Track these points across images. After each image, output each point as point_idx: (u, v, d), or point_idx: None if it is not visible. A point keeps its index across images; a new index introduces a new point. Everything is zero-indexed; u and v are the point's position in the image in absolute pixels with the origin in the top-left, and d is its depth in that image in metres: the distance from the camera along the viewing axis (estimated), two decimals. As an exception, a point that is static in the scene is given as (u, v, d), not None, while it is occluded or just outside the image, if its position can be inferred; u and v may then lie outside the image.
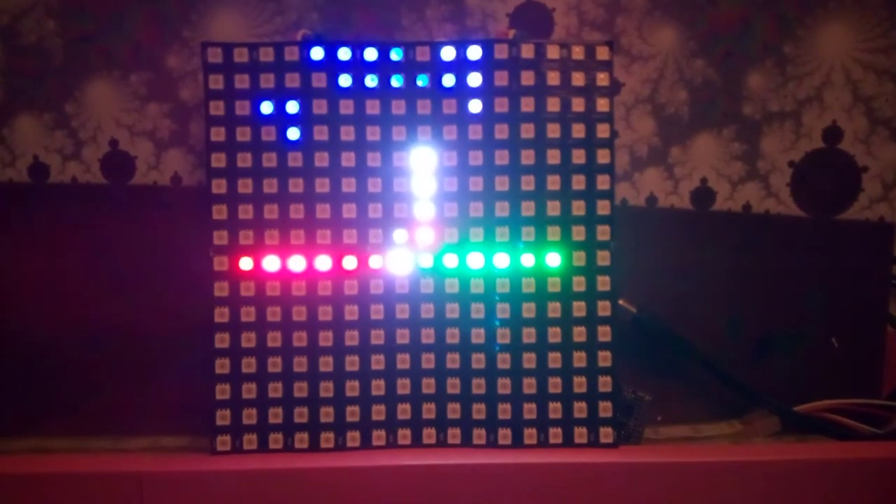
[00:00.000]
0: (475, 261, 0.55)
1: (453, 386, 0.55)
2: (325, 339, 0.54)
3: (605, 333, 0.55)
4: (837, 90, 0.59)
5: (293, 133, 0.54)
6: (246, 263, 0.54)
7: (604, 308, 0.55)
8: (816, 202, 0.60)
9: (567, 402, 0.54)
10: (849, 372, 0.60)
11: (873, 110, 0.60)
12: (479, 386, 0.55)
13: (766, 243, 0.60)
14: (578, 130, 0.55)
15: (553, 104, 0.54)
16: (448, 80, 0.54)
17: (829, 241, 0.60)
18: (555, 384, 0.54)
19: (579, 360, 0.54)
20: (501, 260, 0.55)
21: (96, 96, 0.59)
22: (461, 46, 0.54)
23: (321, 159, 0.54)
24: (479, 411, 0.55)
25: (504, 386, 0.54)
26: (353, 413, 0.54)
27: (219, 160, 0.54)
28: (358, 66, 0.54)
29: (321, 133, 0.54)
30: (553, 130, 0.55)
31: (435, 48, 0.54)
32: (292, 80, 0.54)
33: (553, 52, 0.54)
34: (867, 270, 0.60)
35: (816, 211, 0.60)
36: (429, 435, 0.55)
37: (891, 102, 0.60)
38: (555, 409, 0.54)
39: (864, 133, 0.60)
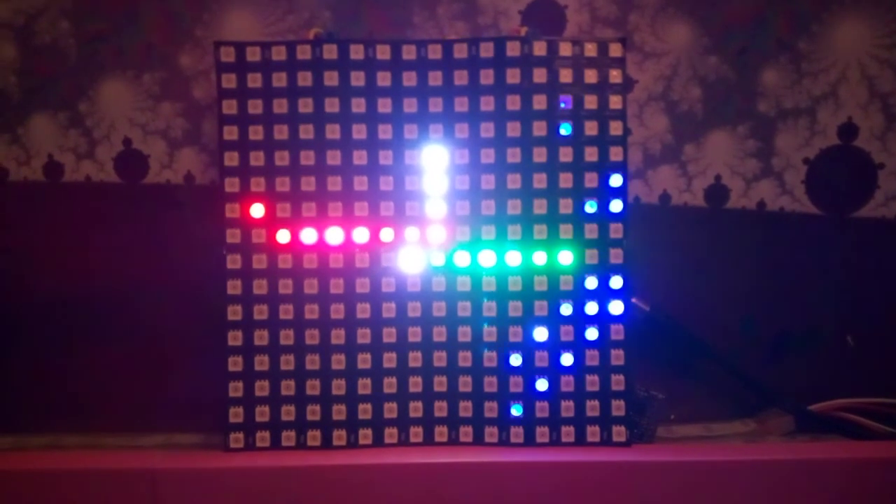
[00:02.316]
0: (487, 259, 0.55)
1: (465, 384, 0.55)
2: (338, 336, 0.54)
3: (617, 332, 0.54)
4: (853, 86, 0.59)
5: (305, 132, 0.54)
6: (259, 262, 0.54)
7: (616, 306, 0.54)
8: (831, 199, 0.60)
9: (580, 401, 0.54)
10: (865, 370, 0.59)
11: (890, 106, 0.59)
12: (490, 384, 0.54)
13: (780, 241, 0.60)
14: (591, 128, 0.54)
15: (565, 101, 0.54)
16: (460, 77, 0.54)
17: (844, 239, 0.60)
18: (567, 382, 0.54)
19: (592, 358, 0.54)
20: (513, 258, 0.55)
21: (110, 95, 0.59)
22: (473, 44, 0.54)
23: (333, 157, 0.54)
24: (490, 409, 0.55)
25: (516, 384, 0.54)
26: (365, 411, 0.54)
27: (232, 159, 0.54)
28: (370, 65, 0.54)
29: (333, 131, 0.54)
30: (565, 128, 0.54)
31: (447, 46, 0.54)
32: (304, 79, 0.54)
33: (566, 50, 0.54)
34: (883, 268, 0.60)
35: (831, 208, 0.60)
36: (440, 433, 0.55)
37: (908, 98, 0.59)
38: (567, 408, 0.54)
39: (880, 130, 0.59)
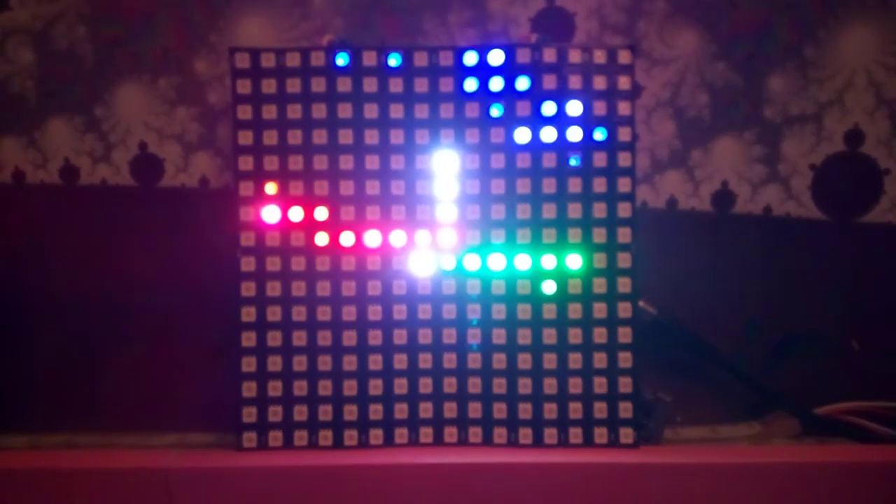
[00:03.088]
0: (496, 262, 0.55)
1: (475, 385, 0.55)
2: (349, 338, 0.55)
3: (625, 335, 0.55)
4: (860, 93, 0.59)
5: (319, 137, 0.55)
6: (272, 264, 0.55)
7: (624, 309, 0.55)
8: (837, 205, 0.60)
9: (587, 403, 0.55)
10: (870, 374, 0.60)
11: (896, 113, 0.60)
12: (500, 386, 0.55)
13: (786, 246, 0.60)
14: (600, 133, 0.55)
15: (575, 107, 0.55)
16: (470, 84, 0.55)
17: (849, 244, 0.60)
18: (575, 384, 0.55)
19: (600, 360, 0.55)
20: (523, 261, 0.55)
21: (126, 100, 0.60)
22: (483, 51, 0.55)
23: (346, 162, 0.55)
24: (500, 411, 0.55)
25: (525, 386, 0.55)
26: (376, 411, 0.55)
27: (246, 163, 0.55)
28: (382, 71, 0.55)
29: (346, 137, 0.55)
30: (575, 134, 0.55)
31: (458, 53, 0.55)
32: (318, 85, 0.55)
33: (575, 57, 0.55)
34: (888, 273, 0.60)
35: (837, 214, 0.60)
36: (450, 434, 0.55)
37: (914, 105, 0.60)
38: (575, 410, 0.55)
39: (886, 136, 0.60)
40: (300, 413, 0.55)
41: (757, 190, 0.60)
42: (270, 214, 0.55)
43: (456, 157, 0.55)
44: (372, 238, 0.55)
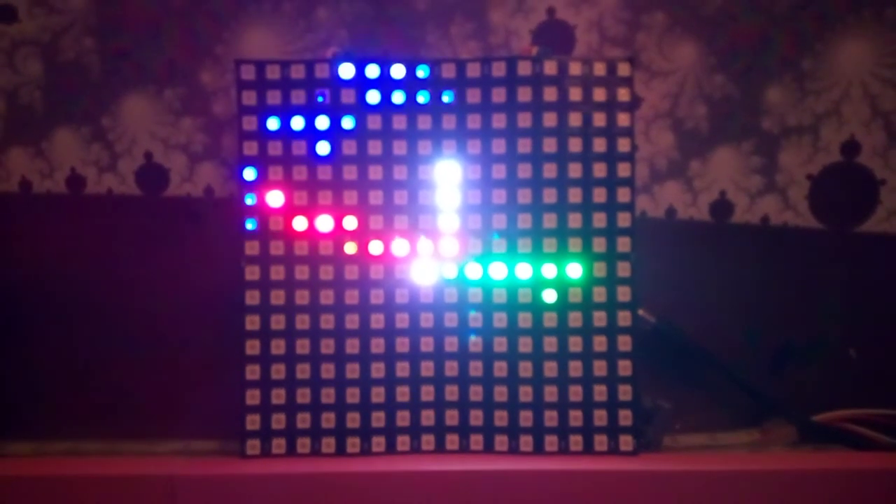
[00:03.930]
0: (498, 271, 0.56)
1: (476, 393, 0.56)
2: (352, 346, 0.56)
3: (625, 343, 0.56)
4: (856, 104, 0.60)
5: (323, 148, 0.56)
6: (276, 273, 0.56)
7: (624, 318, 0.56)
8: (834, 215, 0.61)
9: (587, 410, 0.55)
10: (867, 382, 0.60)
11: (892, 124, 0.60)
12: (501, 394, 0.56)
13: (784, 255, 0.61)
14: (600, 144, 0.56)
15: (575, 119, 0.56)
16: (472, 95, 0.56)
17: (846, 253, 0.61)
18: (575, 392, 0.55)
19: (600, 368, 0.56)
20: (524, 270, 0.56)
21: (132, 110, 0.60)
22: (485, 63, 0.56)
23: (349, 172, 0.56)
24: (501, 418, 0.56)
25: (526, 394, 0.56)
26: (378, 419, 0.56)
27: (251, 173, 0.56)
28: (385, 83, 0.56)
29: (349, 147, 0.56)
30: (575, 144, 0.56)
31: (460, 65, 0.56)
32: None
33: (575, 69, 0.56)
34: (885, 281, 0.61)
35: (834, 223, 0.61)
36: (452, 441, 0.56)
37: (910, 116, 0.60)
38: (575, 417, 0.55)
39: (882, 146, 0.60)
40: (303, 421, 0.55)
41: (755, 200, 0.61)
42: (275, 224, 0.56)
43: (458, 167, 0.56)
44: (375, 247, 0.56)
